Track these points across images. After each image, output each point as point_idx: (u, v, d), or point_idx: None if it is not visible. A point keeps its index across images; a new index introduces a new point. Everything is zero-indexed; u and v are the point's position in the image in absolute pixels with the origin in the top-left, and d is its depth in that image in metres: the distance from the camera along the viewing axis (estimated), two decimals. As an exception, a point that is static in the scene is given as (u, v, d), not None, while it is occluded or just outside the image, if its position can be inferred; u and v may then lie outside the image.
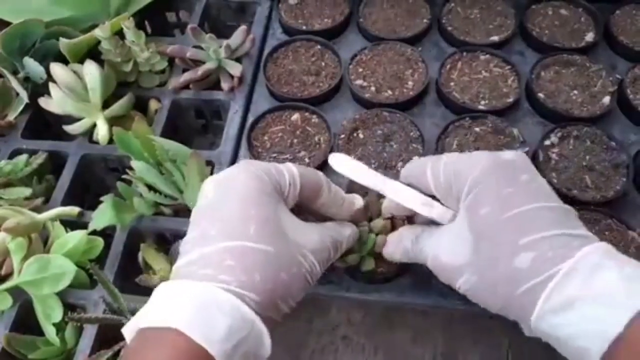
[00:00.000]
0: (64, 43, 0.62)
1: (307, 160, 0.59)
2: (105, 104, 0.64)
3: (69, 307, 0.52)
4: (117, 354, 0.49)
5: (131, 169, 0.56)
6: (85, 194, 0.64)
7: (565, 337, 0.33)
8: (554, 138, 0.58)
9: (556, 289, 0.33)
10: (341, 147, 0.59)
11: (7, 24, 0.62)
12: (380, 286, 0.52)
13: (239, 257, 0.34)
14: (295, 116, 0.62)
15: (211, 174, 0.58)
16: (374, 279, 0.51)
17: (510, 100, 0.61)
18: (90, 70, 0.62)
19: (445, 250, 0.39)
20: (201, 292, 0.33)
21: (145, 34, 0.65)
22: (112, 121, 0.62)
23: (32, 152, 0.62)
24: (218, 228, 0.35)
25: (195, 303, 0.32)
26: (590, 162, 0.56)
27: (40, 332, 0.52)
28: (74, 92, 0.62)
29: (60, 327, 0.51)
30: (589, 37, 0.67)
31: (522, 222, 0.36)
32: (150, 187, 0.56)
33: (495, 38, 0.67)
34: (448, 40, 0.69)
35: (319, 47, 0.68)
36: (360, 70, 0.65)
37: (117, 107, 0.64)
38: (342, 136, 0.60)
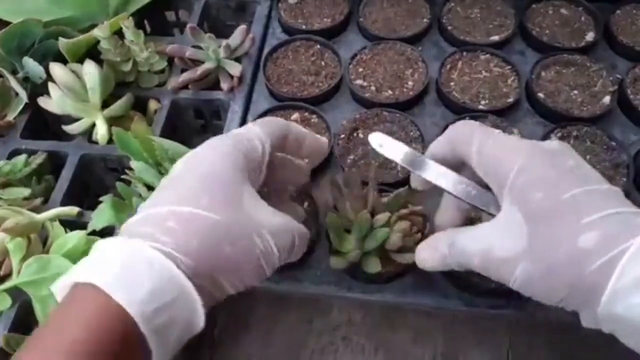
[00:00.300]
0: (63, 43, 0.62)
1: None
2: (105, 104, 0.64)
3: (68, 308, 0.52)
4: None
5: (130, 169, 0.55)
6: (84, 194, 0.64)
7: None
8: (554, 138, 0.58)
9: (629, 265, 0.31)
10: (341, 147, 0.59)
11: (6, 23, 0.62)
12: (382, 286, 0.52)
13: (183, 222, 0.33)
14: (295, 116, 0.62)
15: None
16: (375, 279, 0.51)
17: (511, 100, 0.61)
18: (90, 70, 0.62)
19: (497, 244, 0.37)
20: (132, 250, 0.31)
21: (144, 34, 0.65)
22: (112, 121, 0.62)
23: (31, 152, 0.62)
24: (171, 193, 0.35)
25: (123, 260, 0.31)
26: (590, 162, 0.55)
27: (39, 333, 0.52)
28: (73, 91, 0.62)
29: (59, 328, 0.51)
30: (589, 36, 0.67)
31: (580, 203, 0.34)
32: (150, 187, 0.56)
33: (495, 38, 0.67)
34: (448, 39, 0.69)
35: (318, 46, 0.68)
36: (360, 69, 0.65)
37: (116, 107, 0.64)
38: (342, 136, 0.59)
